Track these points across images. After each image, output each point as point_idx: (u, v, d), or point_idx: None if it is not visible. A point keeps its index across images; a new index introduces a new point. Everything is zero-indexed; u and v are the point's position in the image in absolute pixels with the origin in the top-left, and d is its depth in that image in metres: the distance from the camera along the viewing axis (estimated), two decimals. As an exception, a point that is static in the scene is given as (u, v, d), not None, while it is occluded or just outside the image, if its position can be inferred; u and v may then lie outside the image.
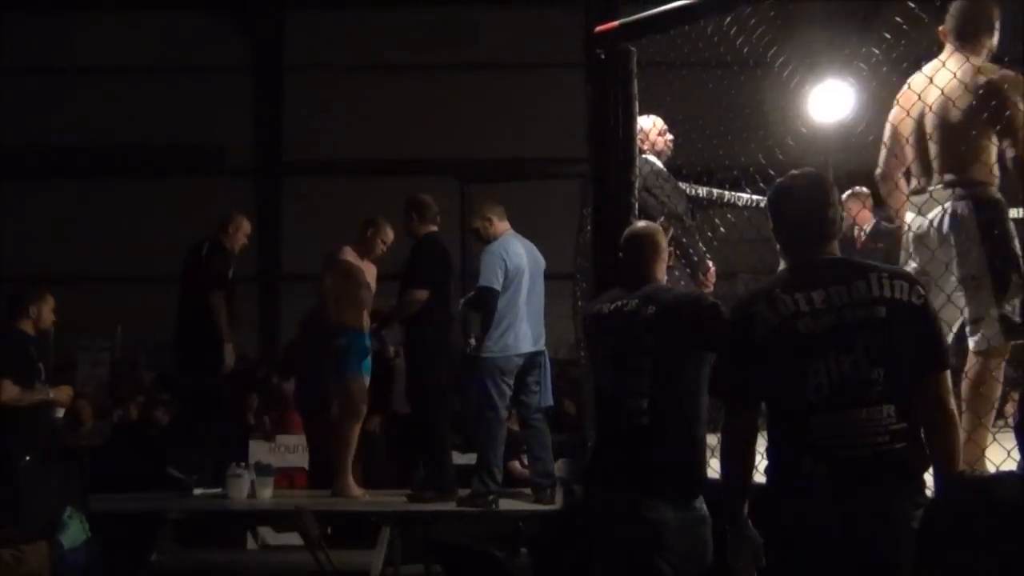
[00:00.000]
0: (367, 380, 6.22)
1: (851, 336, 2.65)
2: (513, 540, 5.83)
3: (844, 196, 6.82)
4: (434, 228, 6.16)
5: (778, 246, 2.92)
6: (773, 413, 2.77)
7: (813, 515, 2.62)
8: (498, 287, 5.85)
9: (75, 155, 14.34)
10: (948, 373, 2.74)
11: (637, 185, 4.56)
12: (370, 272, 6.28)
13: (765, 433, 2.83)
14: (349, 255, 6.20)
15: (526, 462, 6.36)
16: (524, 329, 5.85)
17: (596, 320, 3.68)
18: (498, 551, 5.02)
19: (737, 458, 2.82)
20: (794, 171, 2.99)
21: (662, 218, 4.57)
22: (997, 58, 4.00)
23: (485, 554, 4.54)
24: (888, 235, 6.87)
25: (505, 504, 5.84)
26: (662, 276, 3.71)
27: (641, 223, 3.96)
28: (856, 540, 2.57)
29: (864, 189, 6.88)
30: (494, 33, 14.44)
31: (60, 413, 5.73)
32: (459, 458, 6.52)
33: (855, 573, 2.59)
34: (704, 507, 3.54)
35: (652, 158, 4.98)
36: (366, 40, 14.61)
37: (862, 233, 7.04)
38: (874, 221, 7.01)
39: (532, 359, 5.90)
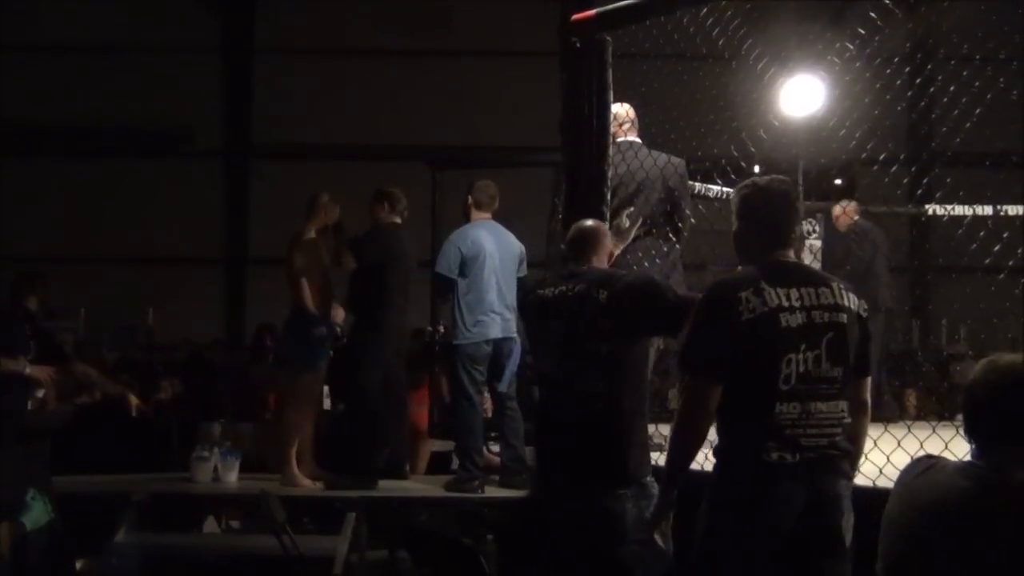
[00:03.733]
0: (322, 369, 6.20)
1: (818, 335, 2.86)
2: (479, 527, 5.85)
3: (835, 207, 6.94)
4: (398, 221, 6.15)
5: (740, 243, 3.05)
6: (737, 396, 2.87)
7: (780, 495, 2.80)
8: (448, 274, 5.88)
9: (40, 134, 14.13)
10: (869, 377, 3.09)
11: (672, 184, 4.61)
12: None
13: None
14: (311, 233, 6.15)
15: (494, 448, 6.37)
16: (492, 316, 5.86)
17: (539, 306, 3.67)
18: (465, 538, 5.03)
19: (696, 432, 2.93)
20: (767, 176, 3.14)
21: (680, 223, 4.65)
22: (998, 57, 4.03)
23: (453, 541, 4.54)
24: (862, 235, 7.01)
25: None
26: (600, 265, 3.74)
27: (589, 222, 3.95)
28: (816, 517, 2.83)
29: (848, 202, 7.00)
30: (468, 19, 14.38)
31: (40, 394, 5.58)
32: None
33: (814, 543, 2.84)
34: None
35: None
36: (338, 24, 14.51)
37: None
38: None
39: (502, 345, 5.91)
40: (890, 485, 3.30)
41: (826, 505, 2.83)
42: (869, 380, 3.06)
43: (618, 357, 3.48)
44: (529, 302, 3.79)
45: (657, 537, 3.21)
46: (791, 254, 3.03)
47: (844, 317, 2.89)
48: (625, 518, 3.43)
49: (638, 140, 5.06)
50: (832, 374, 2.85)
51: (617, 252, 4.04)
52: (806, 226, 6.91)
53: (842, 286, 2.96)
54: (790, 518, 2.80)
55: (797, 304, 2.85)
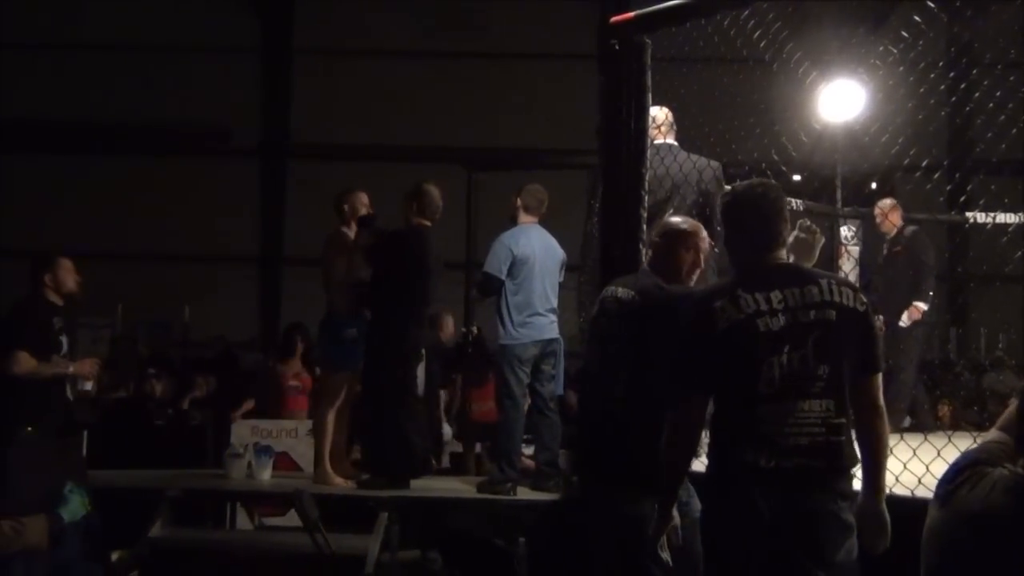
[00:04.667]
0: (359, 368, 6.21)
1: (803, 335, 2.84)
2: (512, 529, 5.83)
3: (879, 204, 6.75)
4: (427, 223, 6.11)
5: (730, 249, 3.09)
6: (722, 404, 2.92)
7: (754, 502, 2.79)
8: (498, 274, 5.88)
9: (81, 131, 14.32)
10: (880, 375, 2.98)
11: (706, 187, 4.58)
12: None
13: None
14: (333, 242, 6.15)
15: (527, 451, 6.35)
16: (539, 318, 5.88)
17: (599, 303, 3.74)
18: (498, 539, 5.02)
19: (686, 446, 3.00)
20: (751, 181, 3.17)
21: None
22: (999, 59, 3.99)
23: (486, 542, 4.53)
24: (909, 238, 6.84)
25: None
26: (677, 275, 3.65)
27: (678, 219, 3.91)
28: (790, 528, 2.78)
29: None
30: (505, 21, 14.40)
31: (88, 386, 5.55)
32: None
33: (789, 556, 2.79)
34: (690, 497, 3.57)
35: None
36: (376, 25, 14.58)
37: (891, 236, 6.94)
38: (903, 224, 6.94)
39: (547, 347, 5.92)
40: (930, 495, 3.31)
41: (803, 519, 2.78)
42: (879, 377, 2.97)
43: (641, 362, 3.48)
44: (598, 299, 3.80)
45: (661, 552, 3.17)
46: (782, 255, 3.02)
47: (833, 314, 2.85)
48: (645, 524, 3.41)
49: (675, 143, 5.04)
50: (818, 372, 2.82)
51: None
52: (845, 232, 6.81)
53: (834, 282, 2.94)
54: (764, 524, 2.77)
55: (780, 307, 2.85)
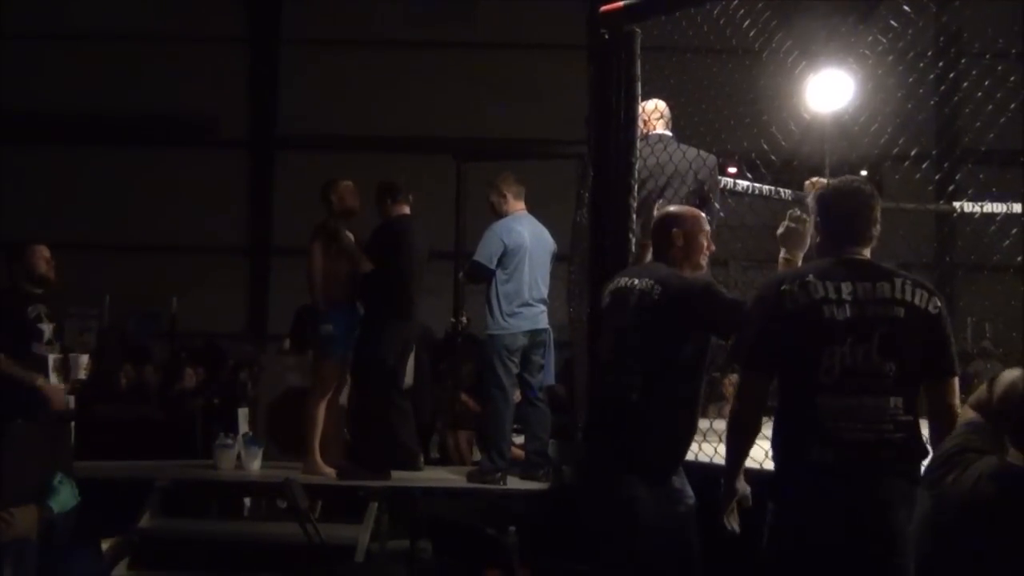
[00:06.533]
0: (348, 358, 6.19)
1: (869, 329, 2.85)
2: (502, 518, 5.85)
3: (808, 182, 6.75)
4: (407, 210, 6.11)
5: (818, 243, 3.10)
6: (785, 389, 2.94)
7: (821, 500, 2.79)
8: (489, 264, 5.89)
9: (67, 121, 14.22)
10: (956, 379, 2.96)
11: (702, 178, 4.57)
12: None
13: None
14: (330, 225, 6.13)
15: (516, 441, 6.37)
16: (528, 308, 5.89)
17: (610, 293, 3.74)
18: (488, 528, 5.04)
19: (749, 424, 3.00)
20: (847, 176, 3.24)
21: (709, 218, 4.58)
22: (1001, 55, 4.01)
23: (477, 530, 4.55)
24: None
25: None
26: (684, 266, 3.67)
27: (679, 208, 3.92)
28: (861, 523, 2.78)
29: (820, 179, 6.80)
30: (493, 11, 14.36)
31: (81, 375, 5.50)
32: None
33: (859, 555, 2.77)
34: (684, 486, 3.59)
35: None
36: (364, 15, 14.53)
37: None
38: None
39: (536, 337, 5.93)
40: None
41: (873, 508, 2.79)
42: (954, 382, 2.95)
43: (658, 352, 3.49)
44: (606, 291, 3.81)
45: (729, 522, 3.16)
46: (864, 252, 3.02)
47: (901, 312, 2.85)
48: (636, 506, 3.44)
49: (668, 134, 5.04)
50: (885, 369, 2.83)
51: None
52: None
53: (909, 281, 2.92)
54: (837, 520, 2.77)
55: (848, 298, 2.86)
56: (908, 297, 2.88)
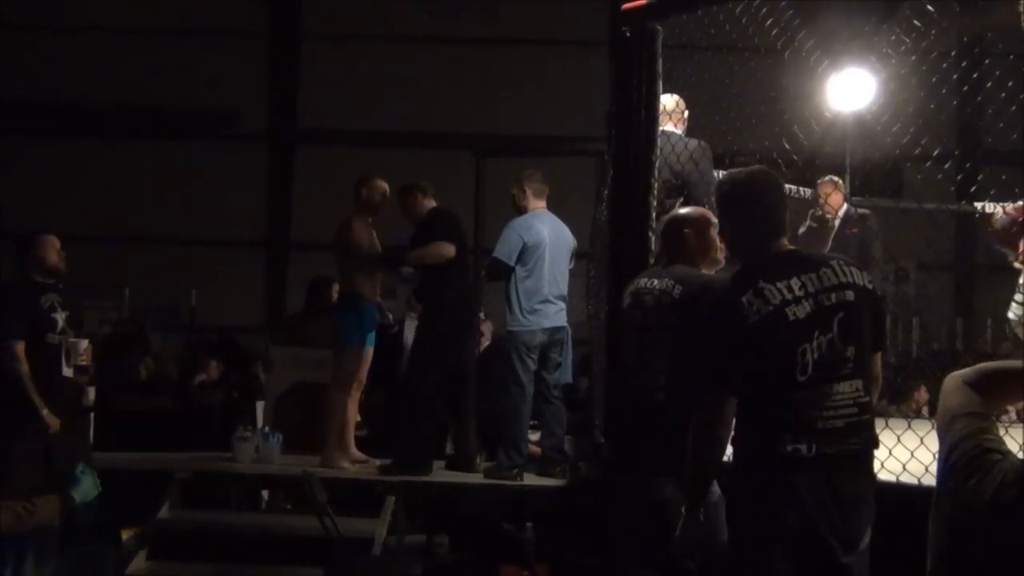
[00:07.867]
0: (370, 352, 6.20)
1: (828, 318, 2.83)
2: (519, 514, 5.87)
3: (819, 181, 6.72)
4: (435, 203, 6.16)
5: (730, 240, 3.09)
6: (753, 395, 2.87)
7: (796, 488, 2.77)
8: (508, 261, 5.90)
9: (88, 114, 14.30)
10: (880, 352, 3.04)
11: (683, 159, 4.54)
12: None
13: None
14: (356, 222, 6.15)
15: (532, 437, 6.38)
16: (548, 305, 5.89)
17: (631, 295, 3.75)
18: (506, 524, 5.05)
19: (715, 444, 2.93)
20: (750, 168, 3.13)
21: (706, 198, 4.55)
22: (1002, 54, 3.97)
23: (495, 526, 4.56)
24: (860, 220, 6.79)
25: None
26: (702, 263, 3.68)
27: (687, 209, 3.94)
28: (832, 512, 2.78)
29: (836, 177, 6.78)
30: (514, 7, 14.35)
31: (81, 361, 5.53)
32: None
33: (823, 541, 2.78)
34: (715, 487, 3.59)
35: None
36: (384, 10, 14.53)
37: (836, 220, 6.89)
38: (845, 207, 6.88)
39: (555, 335, 5.94)
40: (913, 481, 3.43)
41: (844, 504, 2.79)
42: (880, 355, 3.02)
43: (682, 353, 3.49)
44: (627, 292, 3.82)
45: (689, 562, 3.16)
46: (785, 242, 3.01)
47: (851, 294, 2.86)
48: (669, 507, 3.44)
49: (673, 130, 4.99)
50: (847, 354, 2.83)
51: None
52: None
53: (843, 262, 2.94)
54: (805, 513, 2.76)
55: (801, 293, 2.83)
56: (852, 278, 2.89)
